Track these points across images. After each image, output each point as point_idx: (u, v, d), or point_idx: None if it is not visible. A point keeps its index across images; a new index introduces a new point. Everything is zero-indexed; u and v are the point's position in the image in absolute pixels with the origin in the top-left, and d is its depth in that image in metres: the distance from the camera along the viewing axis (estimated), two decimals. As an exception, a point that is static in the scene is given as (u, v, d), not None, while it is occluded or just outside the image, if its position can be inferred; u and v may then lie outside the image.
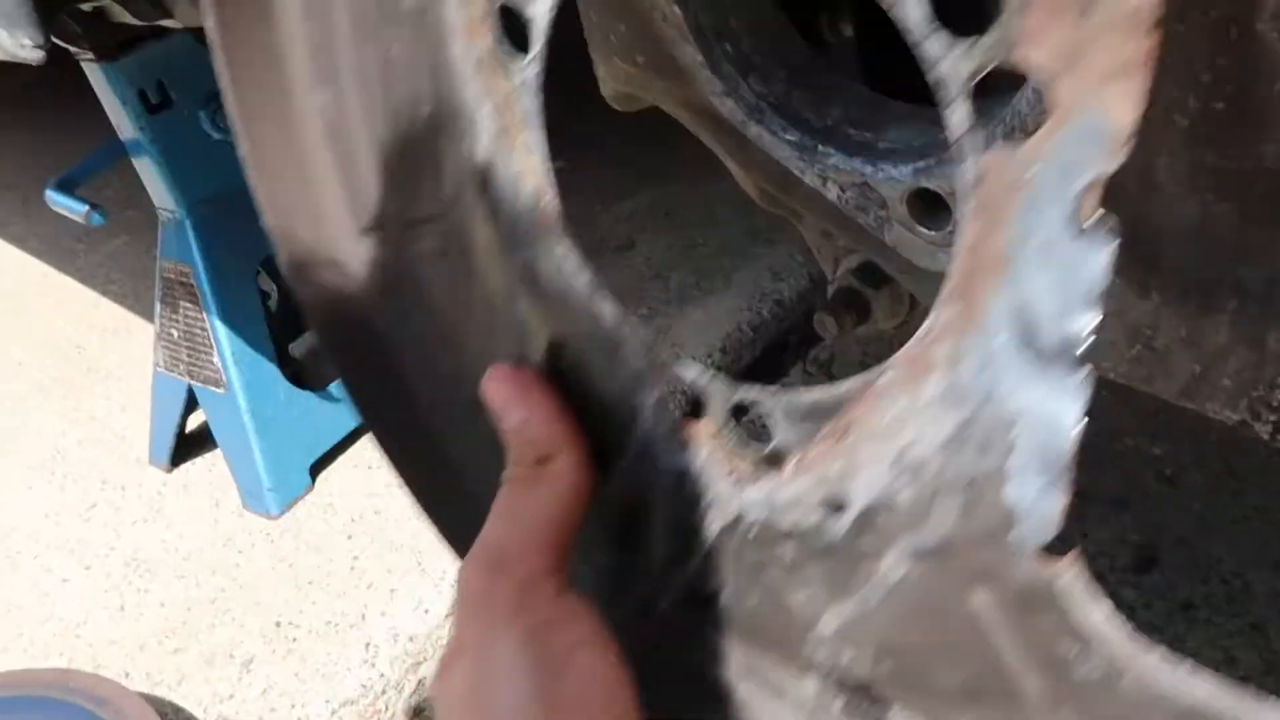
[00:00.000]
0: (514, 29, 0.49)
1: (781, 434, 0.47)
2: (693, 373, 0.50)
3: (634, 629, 0.60)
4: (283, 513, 1.43)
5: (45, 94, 2.99)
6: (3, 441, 1.78)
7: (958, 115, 0.36)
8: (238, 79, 0.63)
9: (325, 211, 0.67)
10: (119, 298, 2.15)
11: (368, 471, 1.48)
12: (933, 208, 0.51)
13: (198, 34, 1.29)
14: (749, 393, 0.48)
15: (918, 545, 0.45)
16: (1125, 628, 0.40)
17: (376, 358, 0.70)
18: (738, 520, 0.52)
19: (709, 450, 0.51)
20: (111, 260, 2.29)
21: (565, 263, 0.52)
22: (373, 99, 0.59)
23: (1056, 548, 0.40)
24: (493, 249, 0.57)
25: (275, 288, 1.62)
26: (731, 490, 0.51)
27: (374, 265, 0.67)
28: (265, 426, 1.42)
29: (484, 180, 0.55)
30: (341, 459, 1.50)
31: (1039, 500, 0.40)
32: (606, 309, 0.52)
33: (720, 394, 0.49)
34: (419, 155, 0.59)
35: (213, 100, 1.37)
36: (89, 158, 1.41)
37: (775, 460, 0.48)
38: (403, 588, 1.27)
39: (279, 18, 0.60)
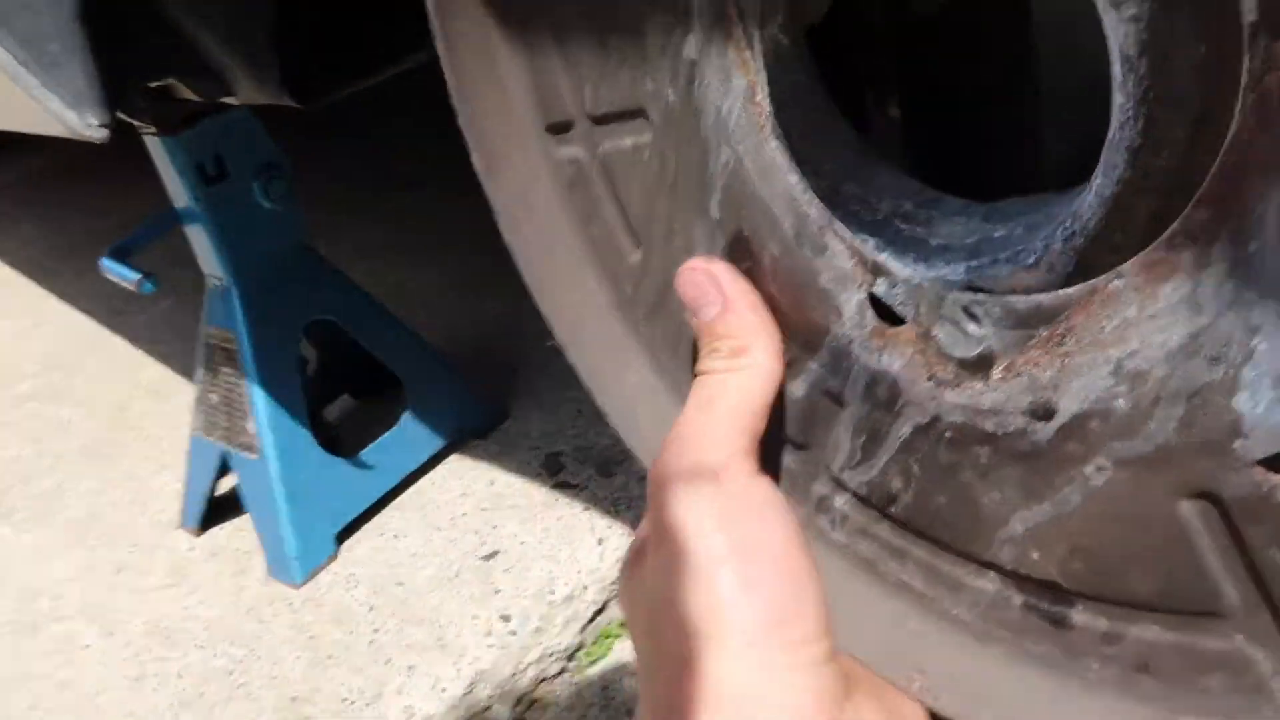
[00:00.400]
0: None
1: (991, 339, 0.48)
2: (904, 275, 0.50)
3: (809, 526, 0.62)
4: (306, 581, 1.43)
5: (100, 162, 3.11)
6: (45, 502, 1.83)
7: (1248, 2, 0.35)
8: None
9: (514, 106, 0.69)
10: (164, 359, 2.21)
11: (393, 540, 1.47)
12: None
13: (255, 109, 1.32)
14: (960, 298, 0.49)
15: (1128, 452, 0.45)
16: None
17: (559, 256, 0.72)
18: (934, 422, 0.53)
19: (910, 353, 0.52)
20: (158, 323, 2.37)
21: (776, 160, 0.53)
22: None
23: (1278, 461, 0.41)
24: (694, 145, 0.58)
25: (315, 353, 1.67)
26: (931, 393, 0.52)
27: (562, 162, 0.69)
28: (294, 493, 1.43)
29: (691, 75, 0.56)
30: (367, 527, 1.50)
31: (1271, 411, 0.40)
32: (815, 209, 0.53)
33: (929, 299, 0.50)
34: (619, 49, 0.59)
35: (264, 172, 1.42)
36: (143, 226, 1.45)
37: (981, 365, 0.49)
38: (421, 665, 1.24)
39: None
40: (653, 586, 0.54)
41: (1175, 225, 0.40)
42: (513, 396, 1.68)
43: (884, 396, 0.55)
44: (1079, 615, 0.51)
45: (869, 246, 0.52)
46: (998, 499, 0.52)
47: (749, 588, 0.51)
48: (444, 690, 1.21)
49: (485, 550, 1.38)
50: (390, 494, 1.53)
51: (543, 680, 1.25)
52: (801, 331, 0.57)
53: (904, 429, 0.55)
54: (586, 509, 1.40)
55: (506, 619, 1.27)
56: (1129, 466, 0.46)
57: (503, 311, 1.90)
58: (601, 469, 1.44)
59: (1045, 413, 0.48)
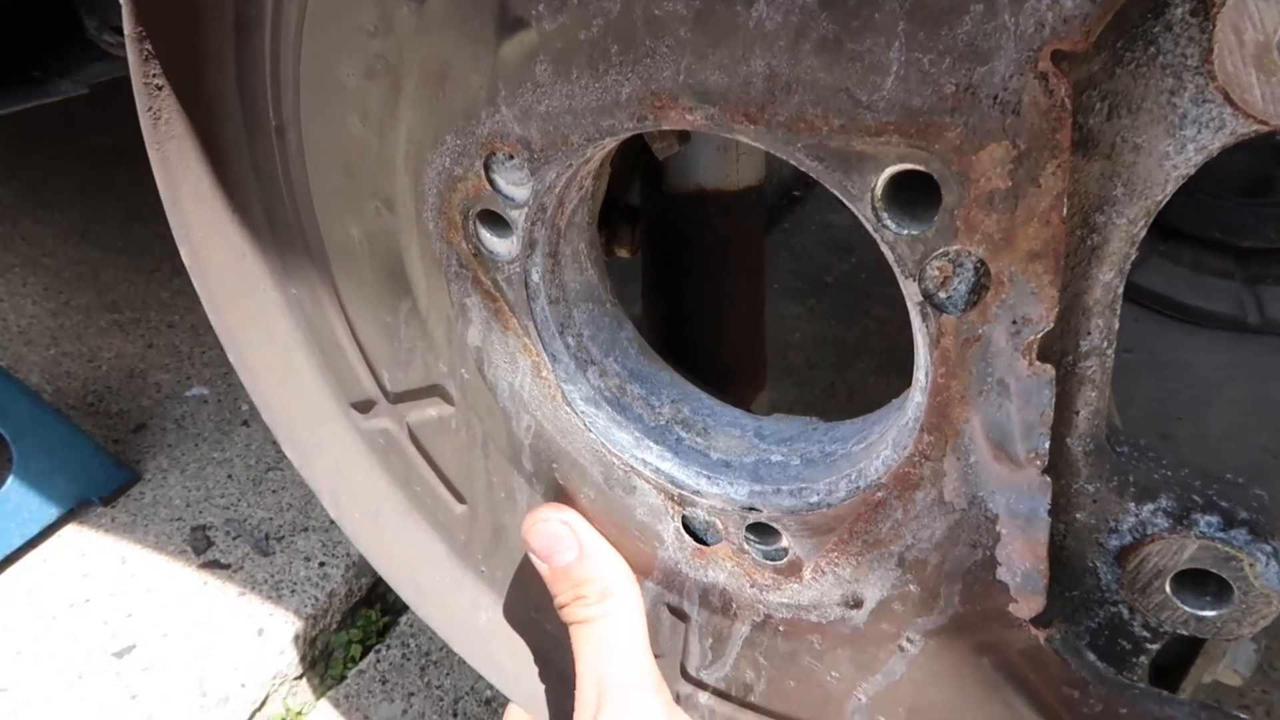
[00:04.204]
0: (496, 225, 0.54)
1: (794, 548, 0.54)
2: (706, 503, 0.56)
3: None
4: None
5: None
6: None
7: (910, 289, 0.43)
8: (218, 299, 0.67)
9: (315, 395, 0.71)
10: None
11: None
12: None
13: None
14: (758, 516, 0.54)
15: (931, 625, 0.52)
16: (1112, 670, 0.48)
17: (388, 518, 0.74)
18: (767, 620, 0.58)
19: (731, 566, 0.57)
20: None
21: (573, 421, 0.58)
22: (353, 290, 0.64)
23: (1044, 619, 0.48)
24: (495, 414, 0.62)
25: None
26: (757, 596, 0.57)
27: (372, 434, 0.71)
28: None
29: (480, 358, 0.60)
30: None
31: (1026, 580, 0.47)
32: (621, 440, 0.58)
33: (734, 521, 0.55)
34: (407, 339, 0.63)
35: None
36: None
37: (793, 569, 0.55)
38: None
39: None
40: None
41: (910, 448, 0.47)
42: (145, 457, 1.40)
43: (718, 604, 0.60)
44: (931, 765, 0.57)
45: (665, 469, 0.58)
46: (837, 676, 0.58)
47: None
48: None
49: (118, 645, 1.13)
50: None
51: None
52: (631, 558, 0.61)
53: (743, 628, 0.60)
54: (243, 594, 1.19)
55: (148, 730, 1.00)
56: (935, 636, 0.52)
57: (126, 354, 1.59)
58: (259, 547, 1.24)
59: (855, 602, 0.54)
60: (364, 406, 0.70)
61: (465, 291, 0.57)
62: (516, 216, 0.52)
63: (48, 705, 1.06)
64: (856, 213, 0.43)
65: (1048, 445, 0.43)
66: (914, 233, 0.41)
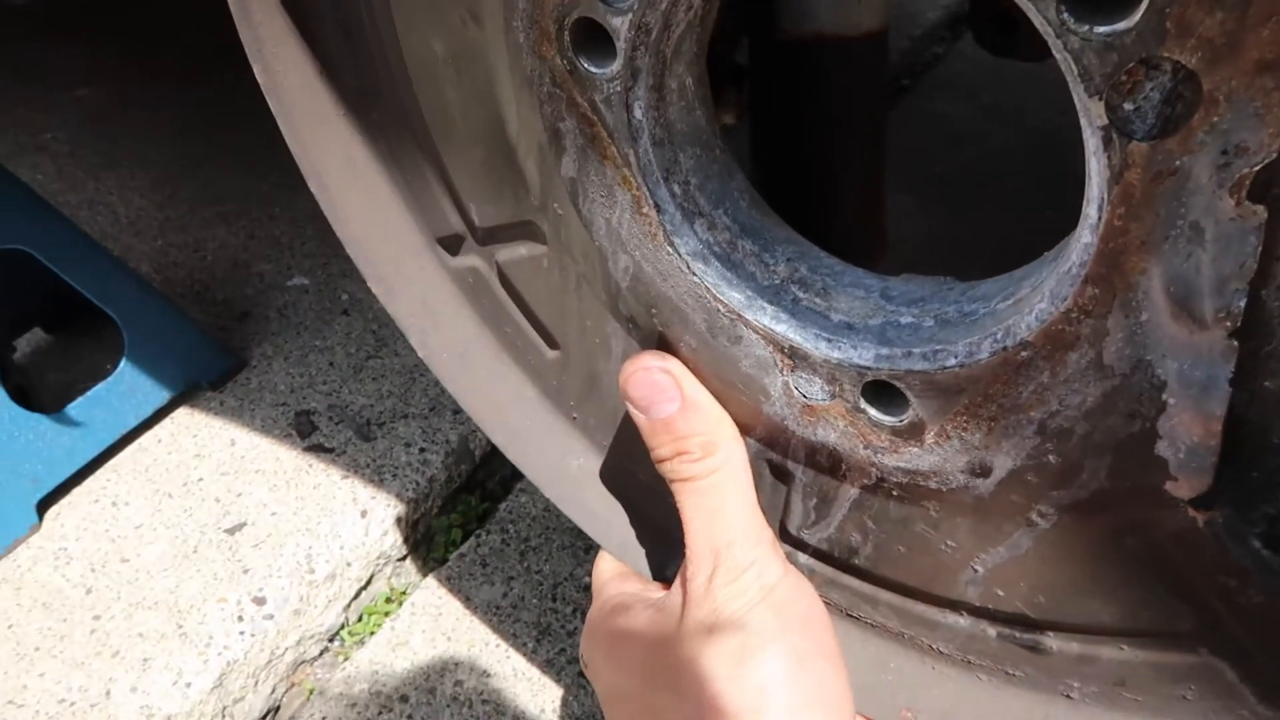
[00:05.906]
0: (597, 41, 0.48)
1: (917, 410, 0.49)
2: (819, 358, 0.51)
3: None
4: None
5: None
6: None
7: (1093, 109, 0.35)
8: (295, 121, 0.63)
9: (400, 227, 0.68)
10: None
11: (111, 509, 1.20)
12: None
13: None
14: (880, 374, 0.49)
15: (1068, 499, 0.47)
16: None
17: (475, 359, 0.71)
18: (879, 483, 0.54)
19: (844, 426, 0.53)
20: None
21: (674, 263, 0.53)
22: (437, 115, 0.59)
23: (1207, 500, 0.42)
24: (590, 253, 0.57)
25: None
26: (871, 458, 0.53)
27: (461, 272, 0.67)
28: (-25, 451, 1.15)
29: (574, 190, 0.55)
30: (78, 492, 1.23)
31: (1191, 457, 0.41)
32: (730, 298, 0.53)
33: (851, 376, 0.50)
34: (496, 169, 0.58)
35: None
36: None
37: (914, 432, 0.50)
38: (158, 656, 1.03)
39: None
40: (675, 669, 0.54)
41: (1068, 301, 0.40)
42: (249, 344, 1.43)
43: (826, 464, 0.56)
44: (1052, 642, 0.53)
45: (780, 331, 0.52)
46: (954, 544, 0.53)
47: (810, 660, 0.53)
48: (189, 685, 1.01)
49: (229, 522, 1.17)
50: (104, 453, 1.26)
51: (302, 664, 1.10)
52: (734, 412, 0.57)
53: (852, 490, 0.56)
54: (346, 477, 1.21)
55: (260, 601, 1.08)
56: (1071, 511, 0.47)
57: (229, 245, 1.63)
58: (361, 432, 1.26)
59: (982, 469, 0.49)
60: (451, 244, 0.65)
61: (559, 115, 0.52)
62: (618, 25, 0.46)
63: (166, 575, 1.12)
64: (1032, 12, 0.35)
65: (1243, 304, 0.36)
66: (1108, 35, 0.33)
